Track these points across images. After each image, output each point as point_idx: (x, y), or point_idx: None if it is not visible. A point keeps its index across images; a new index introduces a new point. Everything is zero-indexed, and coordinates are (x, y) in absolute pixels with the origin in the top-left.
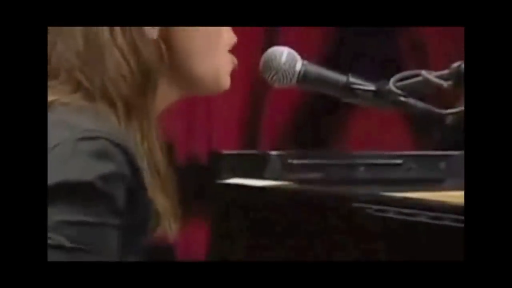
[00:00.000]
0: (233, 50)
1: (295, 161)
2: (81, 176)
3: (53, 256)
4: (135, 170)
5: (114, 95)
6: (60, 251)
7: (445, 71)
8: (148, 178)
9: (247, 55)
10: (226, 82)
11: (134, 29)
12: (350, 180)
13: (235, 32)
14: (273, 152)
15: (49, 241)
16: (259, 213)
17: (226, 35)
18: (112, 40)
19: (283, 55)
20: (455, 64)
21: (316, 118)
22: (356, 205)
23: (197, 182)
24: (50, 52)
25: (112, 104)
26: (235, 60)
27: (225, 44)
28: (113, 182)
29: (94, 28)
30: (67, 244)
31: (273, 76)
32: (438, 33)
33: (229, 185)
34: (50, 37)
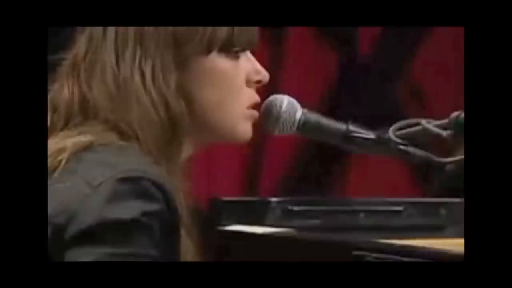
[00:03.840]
0: None
1: (295, 208)
2: (126, 214)
3: None
4: (174, 208)
5: (144, 139)
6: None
7: (445, 121)
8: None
9: None
10: (245, 132)
11: (160, 79)
12: (350, 227)
13: None
14: (274, 199)
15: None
16: (259, 260)
17: (247, 92)
18: (143, 87)
19: (284, 103)
20: (455, 114)
21: (315, 165)
22: (356, 252)
23: (197, 229)
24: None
25: (144, 147)
26: (256, 114)
27: (245, 100)
28: (155, 219)
29: (125, 72)
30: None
31: (273, 124)
32: (437, 80)
33: (229, 231)
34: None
